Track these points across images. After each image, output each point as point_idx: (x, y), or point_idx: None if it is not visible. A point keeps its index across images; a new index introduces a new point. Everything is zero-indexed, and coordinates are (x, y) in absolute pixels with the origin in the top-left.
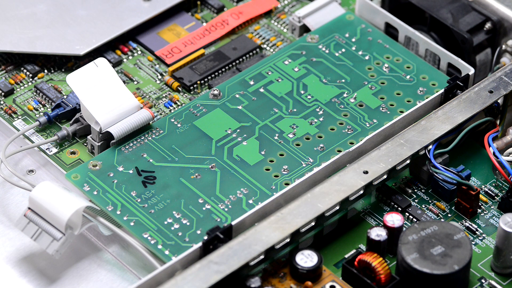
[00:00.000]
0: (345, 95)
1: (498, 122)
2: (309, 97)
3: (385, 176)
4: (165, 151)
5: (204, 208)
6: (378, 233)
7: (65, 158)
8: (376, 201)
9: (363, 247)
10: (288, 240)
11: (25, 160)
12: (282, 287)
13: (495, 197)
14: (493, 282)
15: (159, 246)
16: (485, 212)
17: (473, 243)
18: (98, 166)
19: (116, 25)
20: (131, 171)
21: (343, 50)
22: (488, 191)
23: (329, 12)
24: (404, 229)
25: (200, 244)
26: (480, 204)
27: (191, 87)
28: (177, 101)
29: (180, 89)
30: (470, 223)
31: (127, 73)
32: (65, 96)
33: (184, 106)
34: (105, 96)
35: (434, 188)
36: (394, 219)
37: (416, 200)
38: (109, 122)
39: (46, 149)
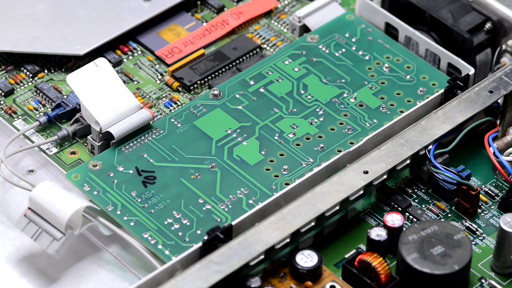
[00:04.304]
0: (345, 95)
1: (498, 122)
2: (309, 97)
3: (385, 176)
4: (165, 151)
5: (204, 208)
6: (378, 233)
7: (65, 158)
8: (376, 201)
9: (363, 247)
10: (288, 240)
11: (25, 160)
12: (282, 287)
13: (495, 197)
14: (493, 282)
15: (159, 246)
16: (485, 212)
17: (473, 243)
18: (98, 166)
19: (116, 25)
20: (131, 171)
21: (343, 50)
22: (488, 191)
23: (329, 12)
24: (404, 229)
25: (200, 244)
26: (480, 204)
27: (191, 87)
28: (177, 101)
29: (180, 89)
30: (470, 223)
31: (127, 73)
32: (65, 96)
33: (184, 106)
34: (105, 96)
35: (434, 188)
36: (394, 219)
37: (416, 200)
38: (109, 122)
39: (46, 149)
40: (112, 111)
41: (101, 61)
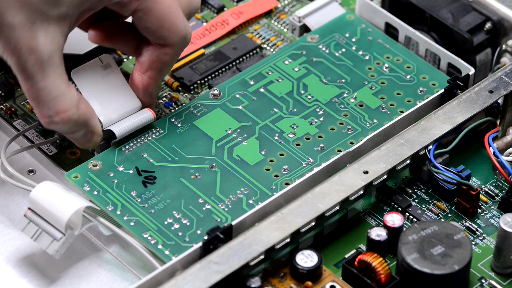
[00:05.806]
0: (345, 95)
1: (498, 122)
2: (309, 97)
3: (385, 176)
4: (165, 151)
5: (204, 208)
6: (378, 233)
7: (65, 158)
8: (376, 201)
9: (363, 247)
10: (288, 240)
11: (25, 160)
12: (282, 287)
13: (495, 197)
14: (493, 282)
15: (159, 246)
16: (485, 212)
17: (473, 243)
18: (98, 166)
19: None
20: (131, 171)
21: (343, 50)
22: (488, 191)
23: (329, 12)
24: (404, 229)
25: (200, 244)
26: (480, 204)
27: (191, 87)
28: (177, 101)
29: (180, 89)
30: (470, 223)
31: (127, 72)
32: None
33: (184, 106)
34: (108, 94)
35: (434, 188)
36: (394, 219)
37: (416, 200)
38: (110, 120)
39: (46, 149)
40: (114, 111)
41: (105, 57)
